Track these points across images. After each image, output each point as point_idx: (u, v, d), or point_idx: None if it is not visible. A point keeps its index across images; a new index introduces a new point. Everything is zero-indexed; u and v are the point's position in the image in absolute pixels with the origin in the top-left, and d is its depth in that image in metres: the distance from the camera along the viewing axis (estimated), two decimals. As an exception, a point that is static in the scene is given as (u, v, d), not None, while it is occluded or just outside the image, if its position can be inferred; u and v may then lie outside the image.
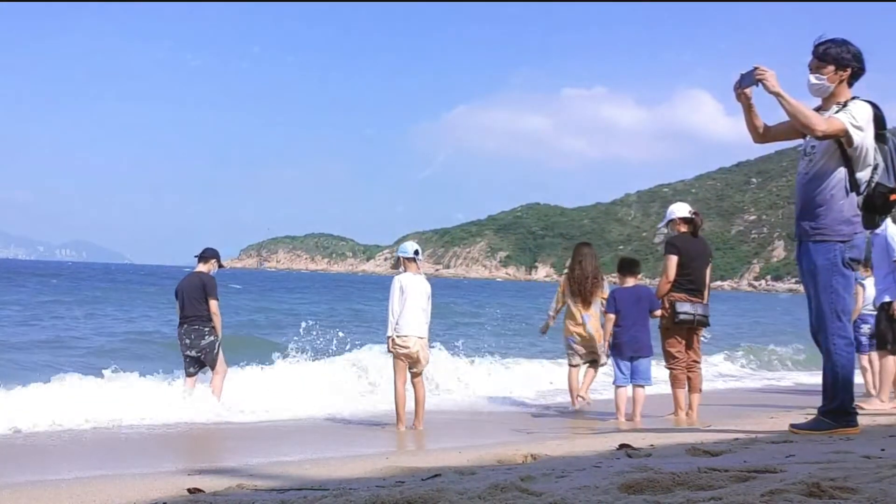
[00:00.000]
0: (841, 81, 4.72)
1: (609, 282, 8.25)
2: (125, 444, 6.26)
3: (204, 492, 3.44)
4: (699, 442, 4.44)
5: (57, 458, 5.56)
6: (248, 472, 4.19)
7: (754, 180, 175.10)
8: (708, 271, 7.20)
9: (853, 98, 4.73)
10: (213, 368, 7.87)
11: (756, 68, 4.71)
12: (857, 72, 4.75)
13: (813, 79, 4.78)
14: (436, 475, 3.51)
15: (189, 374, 7.98)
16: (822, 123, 4.61)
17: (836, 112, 4.67)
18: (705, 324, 7.15)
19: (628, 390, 7.12)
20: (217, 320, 7.91)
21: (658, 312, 7.04)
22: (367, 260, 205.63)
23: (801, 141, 4.96)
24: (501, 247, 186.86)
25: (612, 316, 7.13)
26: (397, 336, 6.69)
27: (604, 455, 4.26)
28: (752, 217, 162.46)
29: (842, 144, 4.66)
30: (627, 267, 7.33)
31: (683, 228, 7.19)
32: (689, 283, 7.03)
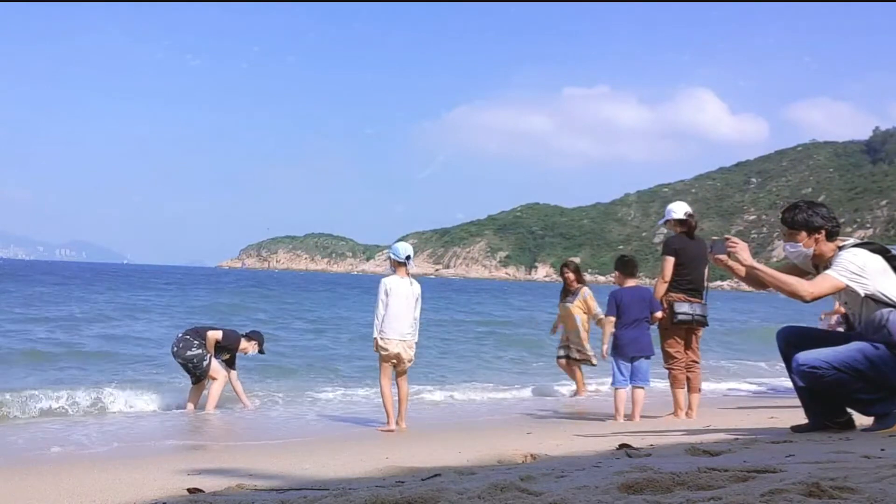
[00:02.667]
0: (818, 242, 4.67)
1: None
2: (125, 444, 6.26)
3: (204, 492, 3.44)
4: (699, 442, 4.44)
5: (57, 458, 5.55)
6: (248, 472, 4.19)
7: (754, 180, 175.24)
8: (706, 272, 7.20)
9: (840, 247, 4.63)
10: (206, 376, 7.98)
11: (727, 239, 4.73)
12: (832, 230, 4.67)
13: (788, 247, 4.80)
14: (436, 475, 3.51)
15: (192, 382, 8.09)
16: (808, 288, 4.53)
17: (827, 269, 4.57)
18: (704, 323, 7.15)
19: (627, 391, 7.10)
20: (210, 345, 8.00)
21: (658, 314, 7.03)
22: (367, 260, 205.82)
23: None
24: (501, 247, 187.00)
25: (613, 318, 7.08)
26: (380, 338, 6.87)
27: (604, 455, 4.26)
28: (752, 217, 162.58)
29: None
30: (629, 267, 7.29)
31: (678, 229, 7.21)
32: (687, 283, 7.03)
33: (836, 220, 4.72)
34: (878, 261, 4.56)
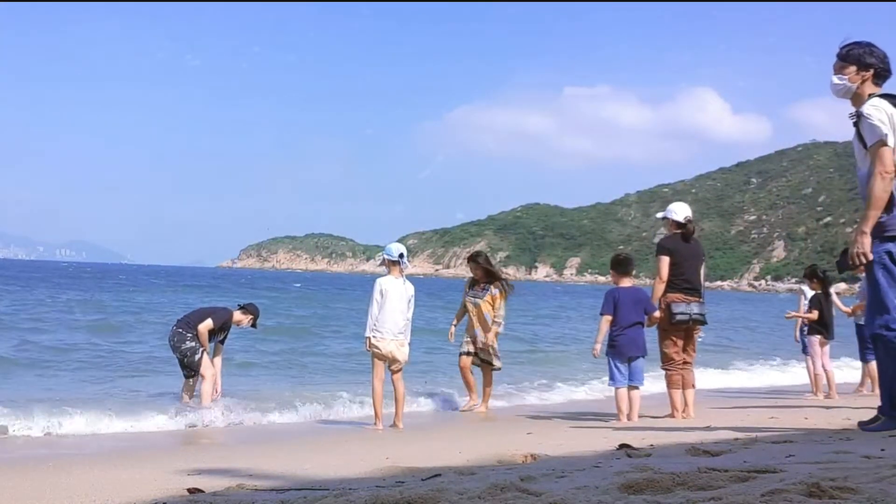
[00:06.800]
0: (864, 81, 4.71)
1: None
2: (124, 445, 6.26)
3: (204, 492, 3.44)
4: (699, 442, 4.45)
5: (57, 458, 5.55)
6: (248, 472, 4.19)
7: (754, 180, 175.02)
8: (702, 271, 7.21)
9: (869, 97, 4.65)
10: (198, 372, 7.94)
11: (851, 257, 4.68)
12: (882, 72, 4.72)
13: (835, 79, 4.81)
14: (436, 475, 3.51)
15: (185, 376, 8.05)
16: (881, 175, 4.48)
17: (859, 134, 4.63)
18: (702, 322, 7.14)
19: (626, 391, 7.09)
20: (202, 339, 7.95)
21: (657, 314, 7.01)
22: (367, 260, 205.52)
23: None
24: (501, 247, 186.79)
25: (609, 317, 7.03)
26: (373, 337, 6.98)
27: (604, 455, 4.27)
28: (752, 217, 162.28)
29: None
30: (625, 266, 7.28)
31: (675, 231, 7.22)
32: (684, 282, 7.02)
33: (888, 65, 4.75)
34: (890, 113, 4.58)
